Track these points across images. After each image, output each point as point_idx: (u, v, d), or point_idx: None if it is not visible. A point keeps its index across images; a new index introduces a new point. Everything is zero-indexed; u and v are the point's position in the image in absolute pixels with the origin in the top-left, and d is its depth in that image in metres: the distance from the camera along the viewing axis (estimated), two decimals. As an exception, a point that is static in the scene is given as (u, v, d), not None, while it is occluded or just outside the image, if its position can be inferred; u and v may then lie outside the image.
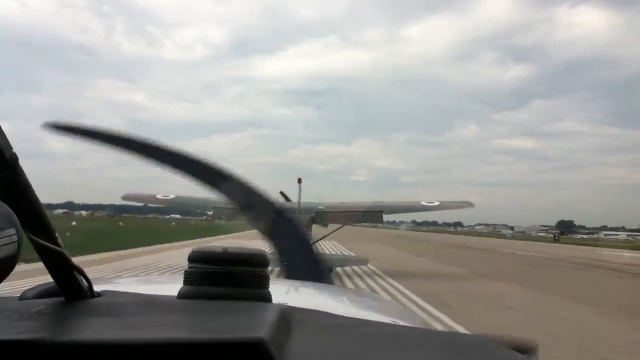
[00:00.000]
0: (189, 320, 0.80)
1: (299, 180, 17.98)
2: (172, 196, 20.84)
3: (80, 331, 0.73)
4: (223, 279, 0.91)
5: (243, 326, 0.75)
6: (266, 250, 1.02)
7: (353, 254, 24.05)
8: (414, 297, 13.03)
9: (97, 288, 0.96)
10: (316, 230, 19.22)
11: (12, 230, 0.65)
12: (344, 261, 19.61)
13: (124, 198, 21.56)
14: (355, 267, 19.30)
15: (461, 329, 8.50)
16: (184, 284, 0.95)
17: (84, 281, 0.89)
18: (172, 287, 1.02)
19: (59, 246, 0.81)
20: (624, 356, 7.86)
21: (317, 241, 18.82)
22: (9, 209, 0.67)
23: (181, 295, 0.93)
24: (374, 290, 13.83)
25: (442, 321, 9.79)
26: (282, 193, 19.54)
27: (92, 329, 0.73)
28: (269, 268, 0.98)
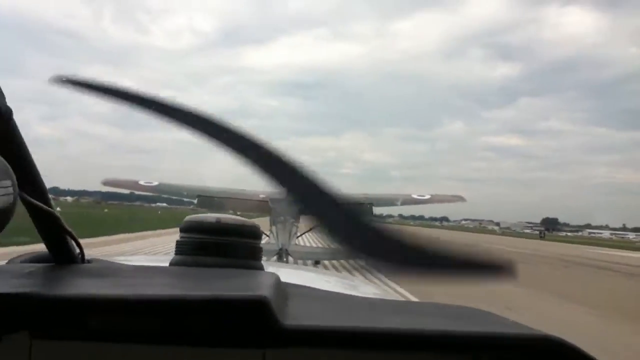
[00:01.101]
0: (185, 282, 0.79)
1: None
2: (155, 183, 19.98)
3: (72, 288, 0.71)
4: (217, 249, 0.91)
5: (242, 286, 0.75)
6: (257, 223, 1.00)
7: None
8: (407, 295, 12.79)
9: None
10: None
11: (8, 182, 0.63)
12: (331, 254, 18.75)
13: (104, 183, 20.62)
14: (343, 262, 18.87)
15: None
16: (175, 254, 0.94)
17: (75, 246, 0.87)
18: (163, 259, 1.02)
19: (52, 208, 0.79)
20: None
21: (303, 234, 18.57)
22: (5, 160, 0.64)
23: (173, 264, 0.92)
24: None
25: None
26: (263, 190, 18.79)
27: (84, 287, 0.72)
28: (261, 240, 0.98)
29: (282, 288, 0.83)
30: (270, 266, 1.49)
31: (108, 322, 0.63)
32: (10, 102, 0.68)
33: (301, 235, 18.15)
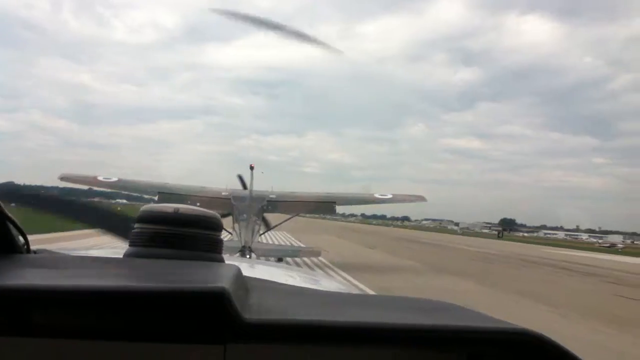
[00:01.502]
0: (138, 273, 0.75)
1: (251, 167, 16.94)
2: (114, 179, 19.86)
3: (13, 279, 0.66)
4: (174, 240, 0.86)
5: (201, 278, 0.71)
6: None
7: (304, 245, 23.37)
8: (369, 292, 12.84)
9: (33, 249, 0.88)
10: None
11: None
12: (296, 252, 18.91)
13: (62, 178, 19.95)
14: (306, 259, 18.84)
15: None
16: (130, 245, 0.88)
17: (19, 236, 0.82)
18: (117, 252, 0.97)
19: None
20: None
21: (267, 231, 19.07)
22: None
23: (127, 255, 0.87)
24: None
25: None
26: (239, 177, 19.08)
27: (27, 278, 0.66)
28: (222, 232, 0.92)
29: (243, 281, 0.79)
30: (231, 260, 1.41)
31: (53, 316, 0.59)
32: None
33: (263, 233, 18.45)
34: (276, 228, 19.68)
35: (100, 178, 19.75)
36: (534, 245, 53.94)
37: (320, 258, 18.91)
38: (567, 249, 49.58)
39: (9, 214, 0.77)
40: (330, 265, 18.26)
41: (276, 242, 23.63)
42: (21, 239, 0.82)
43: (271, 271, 1.73)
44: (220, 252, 0.93)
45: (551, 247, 51.39)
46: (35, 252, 0.86)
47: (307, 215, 33.07)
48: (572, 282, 19.65)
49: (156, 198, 18.62)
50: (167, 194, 18.16)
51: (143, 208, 0.90)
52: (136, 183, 20.27)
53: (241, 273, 0.81)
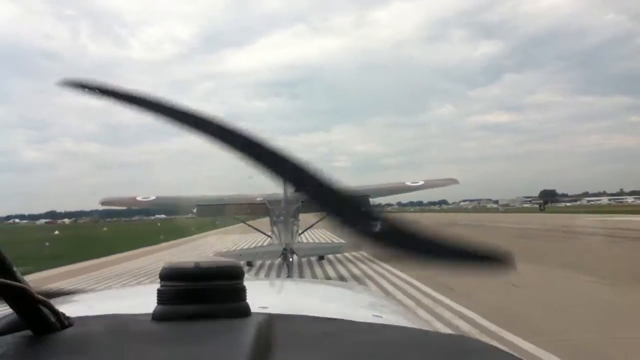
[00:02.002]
0: (165, 351, 0.78)
1: None
2: (152, 197, 20.45)
3: None
4: (197, 295, 0.89)
5: (221, 354, 0.75)
6: (239, 262, 0.97)
7: (344, 241, 23.02)
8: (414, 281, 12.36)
9: (66, 308, 0.93)
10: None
11: None
12: (336, 249, 18.13)
13: (103, 203, 20.78)
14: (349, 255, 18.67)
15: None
16: (157, 303, 0.91)
17: (51, 314, 0.84)
18: (146, 301, 0.98)
19: (19, 281, 0.77)
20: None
21: (305, 231, 19.42)
22: None
23: (156, 316, 0.90)
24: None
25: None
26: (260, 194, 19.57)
27: None
28: (244, 279, 0.93)
29: (266, 337, 0.82)
30: (256, 286, 1.51)
31: None
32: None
33: (302, 232, 18.86)
34: (314, 227, 19.39)
35: (139, 198, 20.39)
36: (578, 215, 52.44)
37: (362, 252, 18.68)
38: (615, 215, 48.09)
39: (39, 296, 0.80)
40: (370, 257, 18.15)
41: (316, 241, 23.79)
42: (52, 315, 0.85)
43: (298, 295, 1.74)
44: (243, 300, 0.93)
45: (597, 215, 49.88)
46: (69, 323, 0.88)
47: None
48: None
49: (194, 211, 19.92)
50: (204, 206, 19.09)
51: (165, 265, 0.93)
52: (173, 199, 21.06)
53: (264, 328, 0.84)
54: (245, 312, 0.92)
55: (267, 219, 18.69)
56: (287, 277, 13.33)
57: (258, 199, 18.47)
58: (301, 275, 15.43)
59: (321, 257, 18.16)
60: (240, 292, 0.94)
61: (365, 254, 17.85)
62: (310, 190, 0.78)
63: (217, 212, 21.30)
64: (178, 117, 0.77)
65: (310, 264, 17.74)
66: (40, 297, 0.81)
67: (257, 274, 15.51)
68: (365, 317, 1.23)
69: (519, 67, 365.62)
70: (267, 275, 15.29)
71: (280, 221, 16.46)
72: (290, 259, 14.47)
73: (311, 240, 22.45)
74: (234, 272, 0.93)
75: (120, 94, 0.81)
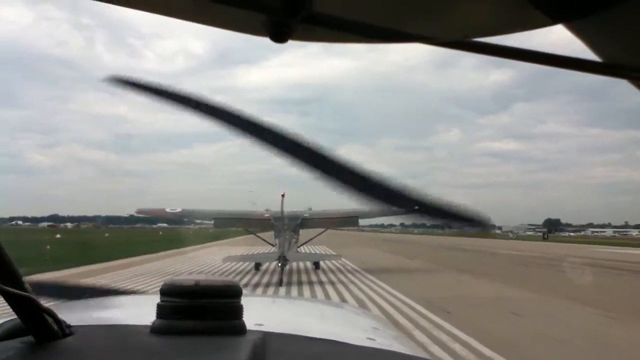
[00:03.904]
0: None
1: (282, 195, 20.17)
2: (179, 210, 23.84)
3: None
4: (196, 312, 0.92)
5: None
6: (237, 281, 1.01)
7: (329, 253, 28.43)
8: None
9: (69, 314, 0.96)
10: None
11: None
12: (320, 257, 24.63)
13: (138, 212, 25.32)
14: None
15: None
16: (157, 317, 0.94)
17: (54, 322, 0.87)
18: (145, 312, 1.00)
19: (26, 290, 0.80)
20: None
21: (304, 244, 23.75)
22: None
23: (154, 330, 0.92)
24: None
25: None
26: (267, 210, 23.05)
27: None
28: (241, 298, 0.97)
29: (263, 356, 0.85)
30: (253, 303, 1.56)
31: None
32: (4, 133, 0.66)
33: (300, 245, 22.76)
34: (316, 242, 24.19)
35: (167, 210, 23.84)
36: (580, 245, 52.04)
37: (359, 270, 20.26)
38: (618, 247, 47.67)
39: (43, 305, 0.83)
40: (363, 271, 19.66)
41: (309, 252, 27.75)
42: (55, 323, 0.88)
43: (295, 315, 1.79)
44: (240, 319, 0.96)
45: (598, 246, 49.49)
46: (70, 332, 0.91)
47: (338, 229, 38.87)
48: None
49: (212, 222, 23.54)
50: (221, 219, 22.79)
51: (166, 281, 0.95)
52: (196, 211, 24.71)
53: (259, 347, 0.87)
54: (241, 330, 0.94)
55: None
56: (279, 279, 16.53)
57: (266, 215, 21.98)
58: (294, 276, 18.83)
59: (317, 266, 21.28)
60: (237, 311, 0.96)
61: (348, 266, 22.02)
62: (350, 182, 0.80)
63: (231, 224, 25.28)
64: (223, 117, 0.79)
65: (307, 270, 21.12)
66: (44, 306, 0.84)
67: (262, 275, 19.07)
68: (359, 339, 1.24)
69: (530, 96, 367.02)
70: (267, 276, 18.79)
71: (280, 235, 19.41)
72: (284, 266, 17.62)
73: (314, 251, 28.28)
74: (231, 291, 0.95)
75: (165, 93, 0.83)
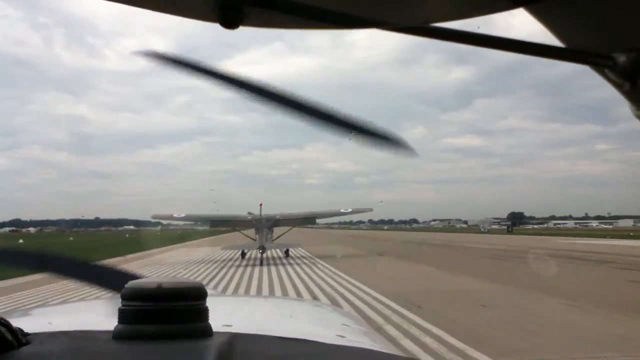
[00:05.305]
0: None
1: (260, 204, 28.17)
2: (183, 214, 31.70)
3: None
4: (159, 316, 0.87)
5: None
6: (202, 283, 0.96)
7: (291, 243, 32.13)
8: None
9: (25, 323, 0.92)
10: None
11: None
12: (287, 246, 30.10)
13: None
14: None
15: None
16: (118, 322, 0.89)
17: (7, 332, 0.82)
18: (106, 317, 0.97)
19: None
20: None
21: (277, 238, 30.76)
22: None
23: (116, 335, 0.88)
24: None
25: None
26: (249, 213, 30.63)
27: None
28: (206, 300, 0.94)
29: (230, 359, 0.84)
30: (220, 304, 1.56)
31: None
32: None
33: (274, 239, 30.14)
34: (293, 245, 30.27)
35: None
36: (544, 237, 53.50)
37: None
38: (579, 238, 49.23)
39: None
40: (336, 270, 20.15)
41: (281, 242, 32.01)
42: (9, 334, 0.83)
43: (263, 314, 1.79)
44: (205, 321, 0.92)
45: (561, 237, 51.00)
46: (27, 340, 0.86)
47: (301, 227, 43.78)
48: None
49: (209, 224, 31.55)
50: (215, 221, 30.83)
51: (128, 284, 0.90)
52: (195, 215, 32.61)
53: (226, 350, 0.85)
54: (207, 332, 0.91)
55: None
56: (260, 260, 24.88)
57: (249, 217, 29.98)
58: (271, 258, 27.07)
59: (287, 253, 29.26)
60: (203, 313, 0.92)
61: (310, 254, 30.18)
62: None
63: (223, 225, 33.85)
64: (253, 90, 0.75)
65: (278, 257, 28.89)
66: None
67: (248, 262, 25.61)
68: (329, 337, 1.22)
69: (491, 92, 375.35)
70: (253, 258, 26.61)
71: (259, 231, 27.76)
72: (263, 253, 26.05)
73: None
74: (196, 293, 0.91)
75: (197, 67, 0.78)
